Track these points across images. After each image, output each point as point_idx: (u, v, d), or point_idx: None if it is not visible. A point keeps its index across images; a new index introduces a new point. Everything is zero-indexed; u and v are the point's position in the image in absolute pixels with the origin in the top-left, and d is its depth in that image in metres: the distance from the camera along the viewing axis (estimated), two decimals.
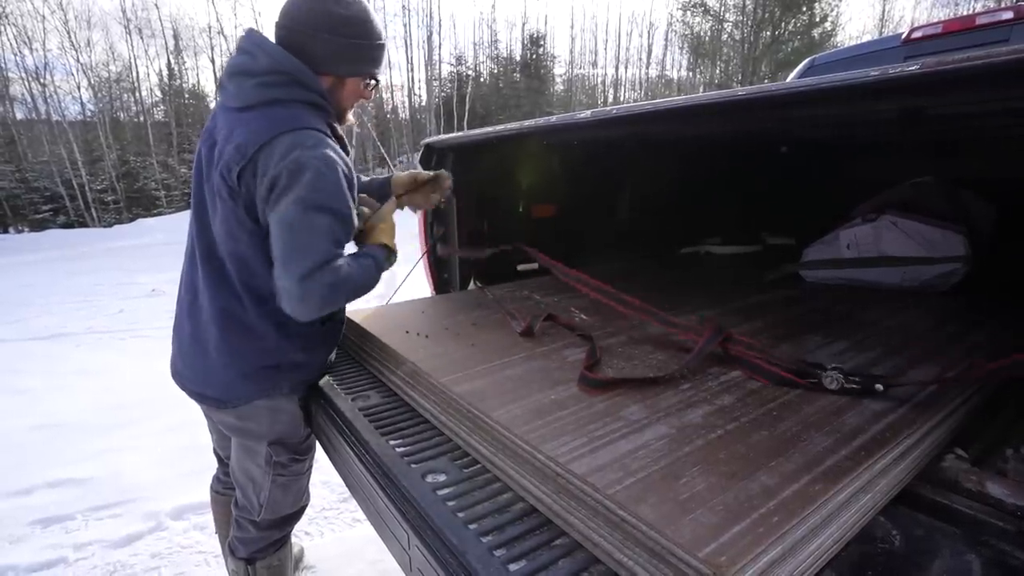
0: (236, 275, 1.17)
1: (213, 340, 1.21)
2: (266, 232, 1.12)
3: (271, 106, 1.12)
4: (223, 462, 1.62)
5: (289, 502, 1.41)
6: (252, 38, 1.16)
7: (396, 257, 1.33)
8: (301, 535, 2.07)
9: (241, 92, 1.13)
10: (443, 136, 1.77)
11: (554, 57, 27.32)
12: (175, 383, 1.34)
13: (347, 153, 1.20)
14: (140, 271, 7.64)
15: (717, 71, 27.39)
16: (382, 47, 1.25)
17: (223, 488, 1.64)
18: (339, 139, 1.21)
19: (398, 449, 1.02)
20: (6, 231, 14.97)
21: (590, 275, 1.46)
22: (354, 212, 1.17)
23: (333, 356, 1.43)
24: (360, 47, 1.20)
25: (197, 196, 1.22)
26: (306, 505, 1.48)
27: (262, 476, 1.34)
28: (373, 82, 1.29)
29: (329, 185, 1.08)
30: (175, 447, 2.59)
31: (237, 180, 1.08)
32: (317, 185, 1.06)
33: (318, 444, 1.40)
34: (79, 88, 17.77)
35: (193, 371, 1.27)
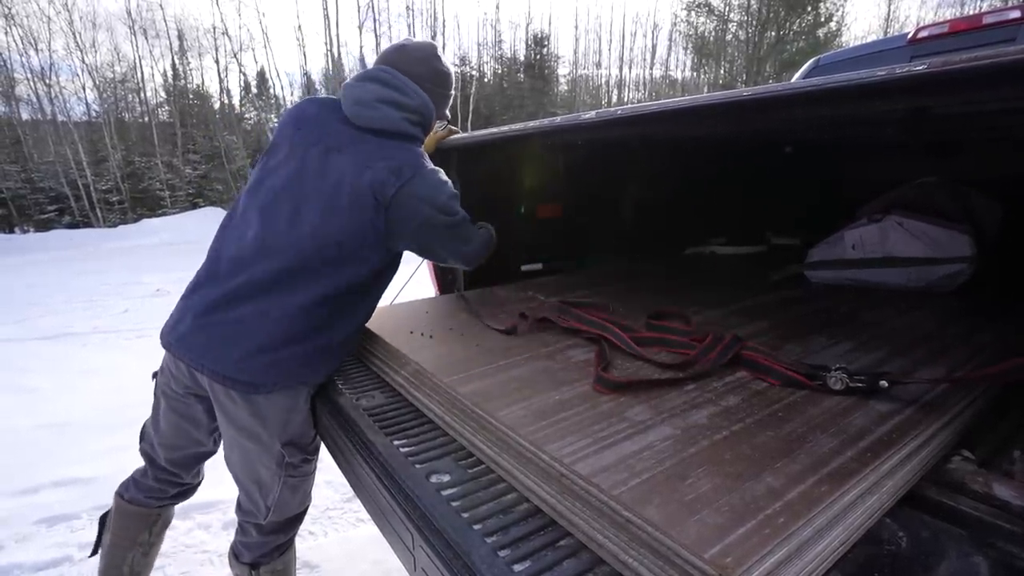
0: (343, 269, 1.26)
1: (275, 321, 1.21)
2: (389, 247, 1.32)
3: (411, 141, 1.36)
4: (159, 467, 1.49)
5: (296, 503, 1.40)
6: (399, 76, 1.36)
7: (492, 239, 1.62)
8: (305, 535, 2.07)
9: (387, 119, 1.31)
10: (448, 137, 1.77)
11: (558, 58, 27.34)
12: (180, 359, 1.28)
13: None
14: (145, 271, 7.68)
15: (721, 71, 27.34)
16: (451, 96, 1.56)
17: (146, 497, 1.50)
18: None
19: (402, 449, 1.02)
20: (12, 231, 15.06)
21: (594, 276, 1.46)
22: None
23: None
24: (450, 97, 1.54)
25: (295, 190, 1.28)
26: (308, 506, 1.48)
27: (271, 478, 1.33)
28: (442, 122, 1.62)
29: (457, 199, 1.37)
30: None
31: (391, 198, 1.24)
32: (455, 204, 1.36)
33: (322, 444, 1.39)
34: (84, 89, 17.88)
35: (227, 354, 1.21)
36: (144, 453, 1.53)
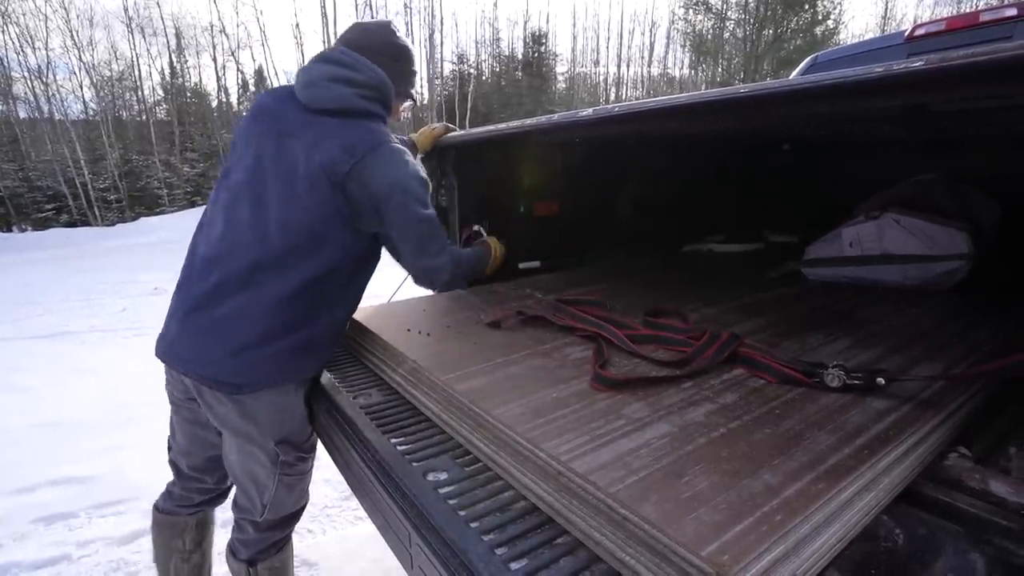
0: (315, 256, 1.23)
1: (255, 318, 1.20)
2: (357, 228, 1.27)
3: (367, 118, 1.30)
4: (183, 474, 1.52)
5: (292, 501, 1.40)
6: (350, 53, 1.32)
7: (496, 257, 1.67)
8: (303, 533, 2.07)
9: (339, 97, 1.26)
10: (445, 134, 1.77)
11: (556, 55, 27.32)
12: (171, 367, 1.29)
13: None
14: (142, 270, 7.66)
15: (719, 69, 27.34)
16: (416, 73, 1.52)
17: (175, 506, 1.53)
18: None
19: (399, 447, 1.02)
20: (9, 230, 15.02)
21: (591, 274, 1.45)
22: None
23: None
24: (412, 73, 1.49)
25: (254, 182, 1.26)
26: (306, 504, 1.48)
27: (267, 476, 1.33)
28: (409, 102, 1.54)
29: (424, 186, 1.31)
30: None
31: (344, 176, 1.20)
32: (420, 189, 1.29)
33: (319, 442, 1.39)
34: (81, 87, 17.86)
35: (210, 355, 1.21)
36: (171, 463, 1.54)
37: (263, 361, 1.21)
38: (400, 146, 1.29)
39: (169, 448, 1.53)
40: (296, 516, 1.46)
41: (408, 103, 1.54)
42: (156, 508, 1.55)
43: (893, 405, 0.92)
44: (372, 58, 1.33)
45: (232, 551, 1.43)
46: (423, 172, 1.33)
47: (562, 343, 1.29)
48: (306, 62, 1.35)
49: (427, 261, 1.34)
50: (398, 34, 1.43)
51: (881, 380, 0.95)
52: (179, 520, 1.52)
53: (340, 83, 1.27)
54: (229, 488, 1.57)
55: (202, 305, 1.23)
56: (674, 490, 0.70)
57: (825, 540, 0.65)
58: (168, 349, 1.28)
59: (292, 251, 1.22)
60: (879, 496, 0.75)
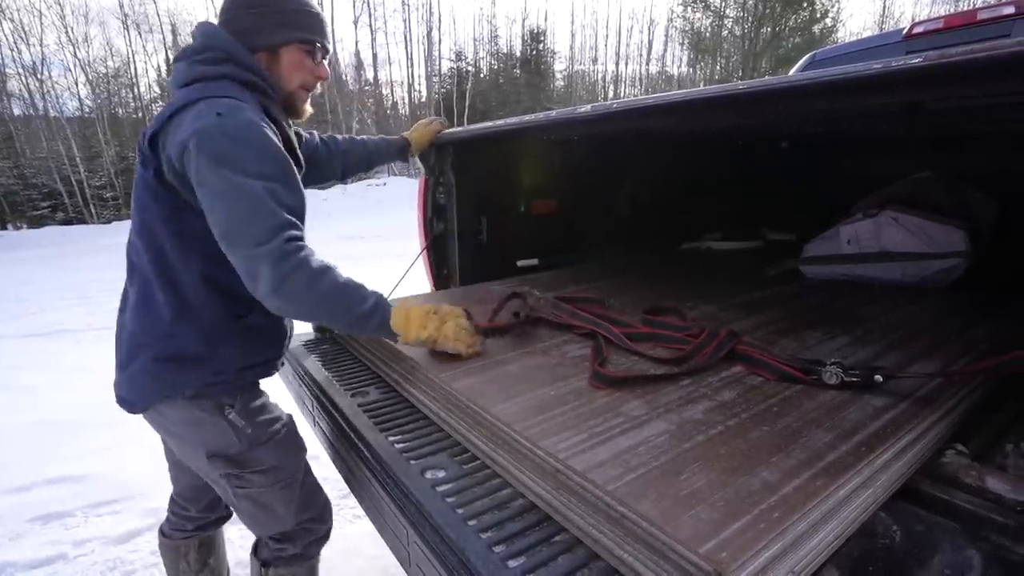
0: (145, 249, 1.10)
1: (128, 327, 1.14)
2: (179, 201, 1.07)
3: (200, 81, 1.08)
4: (174, 500, 1.46)
5: (279, 518, 1.24)
6: (199, 26, 1.15)
7: (384, 328, 1.10)
8: None
9: (177, 73, 1.12)
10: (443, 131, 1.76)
11: (554, 53, 27.29)
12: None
13: (288, 145, 1.15)
14: None
15: (718, 67, 27.35)
16: (309, 13, 1.19)
17: (171, 529, 1.47)
18: (274, 121, 1.14)
19: (397, 445, 1.02)
20: (4, 228, 14.96)
21: (590, 272, 1.45)
22: (297, 179, 1.09)
23: (280, 360, 1.28)
24: (282, 13, 1.15)
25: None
26: (321, 521, 1.33)
27: (223, 492, 1.22)
28: (316, 53, 1.21)
29: (251, 149, 1.01)
30: None
31: (149, 146, 1.04)
32: (238, 150, 0.99)
33: (307, 446, 1.29)
34: (77, 84, 17.78)
35: (117, 369, 1.17)
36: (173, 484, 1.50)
37: (136, 375, 1.12)
38: (236, 101, 1.04)
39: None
40: (307, 533, 1.30)
41: (316, 53, 1.22)
42: (160, 530, 1.50)
43: (890, 402, 0.92)
44: (228, 13, 1.15)
45: (256, 546, 1.36)
46: (266, 133, 1.04)
47: (560, 341, 1.29)
48: None
49: (240, 252, 0.99)
50: None
51: (879, 377, 0.95)
52: (178, 544, 1.46)
53: (179, 60, 1.14)
54: (222, 515, 1.50)
55: (118, 319, 1.20)
56: (672, 487, 0.70)
57: (823, 537, 0.65)
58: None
59: (134, 241, 1.13)
60: (876, 493, 0.75)
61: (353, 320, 1.07)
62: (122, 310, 1.18)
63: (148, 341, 1.11)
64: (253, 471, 1.18)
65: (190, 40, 1.15)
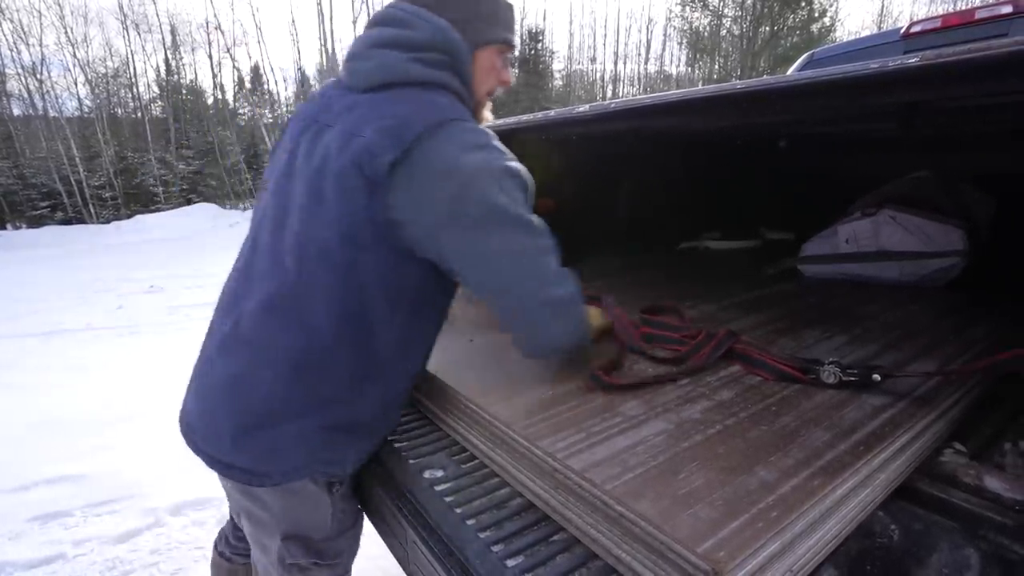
0: (339, 292, 0.87)
1: (266, 384, 0.87)
2: (402, 248, 0.87)
3: (429, 88, 0.90)
4: (233, 522, 1.31)
5: None
6: (404, 5, 0.94)
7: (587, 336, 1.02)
8: None
9: (385, 66, 0.90)
10: None
11: (553, 52, 27.23)
12: (186, 442, 0.98)
13: None
14: (138, 268, 7.63)
15: (716, 67, 27.35)
16: (511, 7, 1.01)
17: (231, 552, 1.31)
18: None
19: (395, 445, 1.02)
20: (4, 228, 14.95)
21: (588, 271, 1.45)
22: None
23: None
24: (495, 4, 0.98)
25: (280, 193, 0.94)
26: None
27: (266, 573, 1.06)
28: (508, 53, 1.04)
29: (521, 187, 0.90)
30: (173, 443, 2.57)
31: (387, 172, 0.82)
32: (503, 181, 0.87)
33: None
34: (76, 84, 17.75)
35: (217, 429, 0.91)
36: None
37: (283, 445, 0.88)
38: (479, 126, 0.90)
39: None
40: None
41: (508, 55, 1.04)
42: (215, 546, 1.36)
43: (889, 401, 0.92)
44: (434, 7, 0.93)
45: None
46: (517, 164, 0.91)
47: None
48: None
49: (528, 304, 0.88)
50: None
51: (877, 376, 0.95)
52: (234, 568, 1.32)
53: (388, 47, 0.91)
54: None
55: (214, 358, 0.94)
56: (670, 487, 0.70)
57: (821, 536, 0.66)
58: (183, 417, 1.00)
59: (312, 286, 0.87)
60: (875, 492, 0.75)
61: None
62: (223, 354, 0.93)
63: (312, 406, 0.89)
64: (324, 563, 1.03)
65: (397, 26, 0.92)
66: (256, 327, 0.89)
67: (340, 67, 0.98)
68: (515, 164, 0.90)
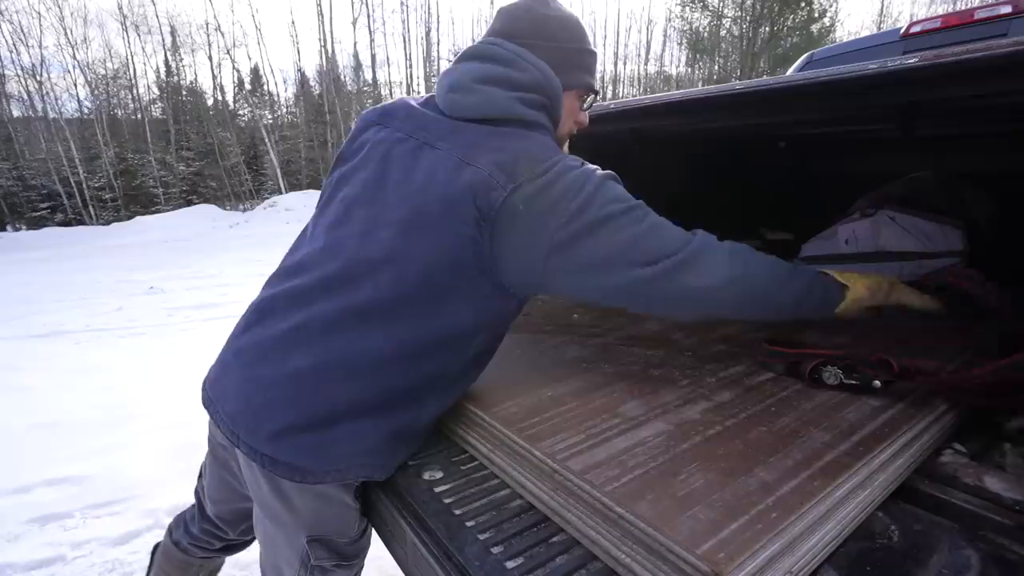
0: (432, 310, 0.89)
1: (335, 384, 0.87)
2: (496, 281, 0.90)
3: (532, 128, 0.95)
4: (206, 517, 1.26)
5: None
6: (508, 45, 0.98)
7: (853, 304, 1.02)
8: None
9: (491, 102, 0.94)
10: None
11: None
12: (215, 420, 0.95)
13: None
14: (138, 268, 7.63)
15: (716, 67, 27.38)
16: (594, 53, 1.06)
17: (190, 543, 1.27)
18: None
19: None
20: (3, 229, 14.96)
21: None
22: None
23: None
24: (581, 52, 1.03)
25: (373, 200, 0.95)
26: None
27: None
28: (590, 97, 1.10)
29: (628, 209, 0.91)
30: (173, 445, 2.59)
31: (498, 206, 0.85)
32: (616, 208, 0.89)
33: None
34: (76, 85, 17.80)
35: (268, 418, 0.88)
36: (196, 495, 1.29)
37: (325, 445, 0.87)
38: (588, 164, 0.93)
39: (200, 476, 1.28)
40: None
41: (588, 98, 1.10)
42: (169, 534, 1.31)
43: (888, 402, 0.92)
44: (527, 46, 0.98)
45: None
46: (621, 189, 0.94)
47: (558, 342, 1.29)
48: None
49: (701, 283, 0.96)
50: (552, 3, 1.02)
51: (877, 383, 0.95)
52: (191, 561, 1.32)
53: (494, 84, 0.94)
54: (252, 540, 1.29)
55: (276, 349, 0.91)
56: (670, 488, 0.70)
57: (820, 537, 0.65)
58: (219, 396, 0.95)
59: (405, 300, 0.88)
60: (874, 493, 0.75)
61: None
62: (286, 350, 0.90)
63: (376, 410, 0.89)
64: (346, 564, 1.03)
65: (499, 63, 0.96)
66: (334, 330, 0.89)
67: (439, 92, 1.01)
68: (620, 191, 0.93)
